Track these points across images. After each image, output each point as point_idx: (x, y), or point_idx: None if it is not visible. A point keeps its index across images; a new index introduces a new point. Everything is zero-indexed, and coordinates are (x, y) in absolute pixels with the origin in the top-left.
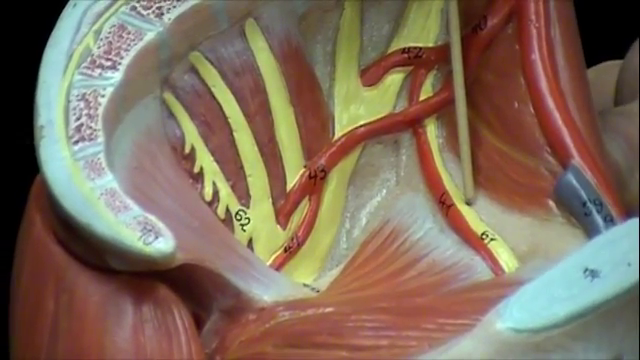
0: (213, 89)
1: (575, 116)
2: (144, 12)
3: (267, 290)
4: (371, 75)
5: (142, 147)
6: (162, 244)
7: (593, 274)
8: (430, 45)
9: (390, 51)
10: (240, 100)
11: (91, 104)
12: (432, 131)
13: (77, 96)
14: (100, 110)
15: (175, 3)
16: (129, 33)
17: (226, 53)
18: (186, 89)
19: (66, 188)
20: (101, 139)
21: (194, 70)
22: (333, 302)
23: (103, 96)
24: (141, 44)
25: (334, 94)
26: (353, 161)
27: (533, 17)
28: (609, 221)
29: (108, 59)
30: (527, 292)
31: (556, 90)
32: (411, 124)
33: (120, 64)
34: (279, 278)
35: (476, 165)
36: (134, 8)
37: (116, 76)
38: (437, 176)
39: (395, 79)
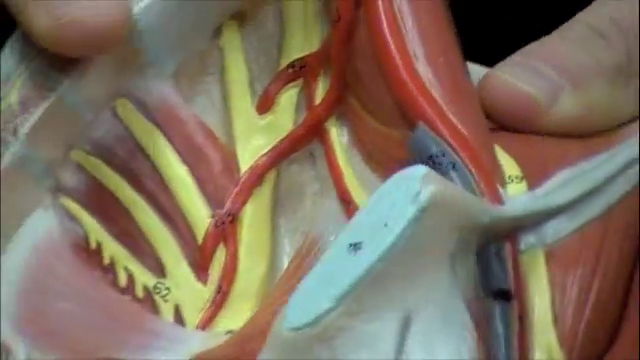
0: (102, 179)
1: (426, 74)
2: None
3: (171, 353)
4: (264, 101)
5: (34, 265)
6: None
7: (356, 247)
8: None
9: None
10: (131, 179)
11: None
12: (334, 132)
13: None
14: None
15: (27, 115)
16: None
17: (104, 140)
18: (79, 188)
19: None
20: None
21: (79, 167)
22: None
23: None
24: (3, 166)
25: (233, 134)
26: (269, 190)
27: None
28: (453, 169)
29: None
30: (301, 288)
31: (402, 52)
32: (314, 133)
33: None
34: (189, 337)
35: (366, 150)
36: None
37: None
38: (340, 175)
39: (289, 96)
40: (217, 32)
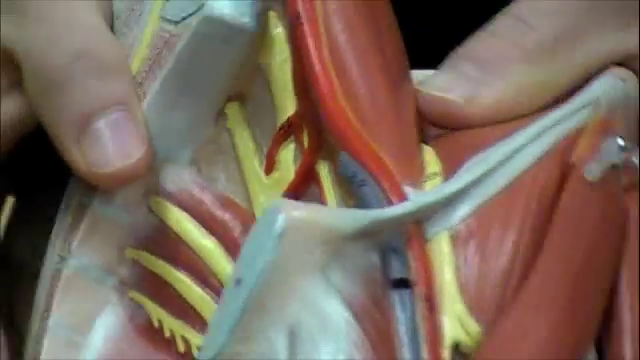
0: (153, 268)
1: (358, 91)
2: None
3: None
4: (268, 163)
5: (107, 355)
6: None
7: (238, 282)
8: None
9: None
10: (173, 261)
11: None
12: (324, 171)
13: None
14: None
15: (75, 232)
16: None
17: (146, 233)
18: (138, 279)
19: None
20: None
21: (134, 261)
22: None
23: None
24: (62, 282)
25: (250, 197)
26: None
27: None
28: (364, 185)
29: None
30: (210, 325)
31: (326, 83)
32: (308, 178)
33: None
34: None
35: None
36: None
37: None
38: None
39: (287, 152)
40: (220, 115)
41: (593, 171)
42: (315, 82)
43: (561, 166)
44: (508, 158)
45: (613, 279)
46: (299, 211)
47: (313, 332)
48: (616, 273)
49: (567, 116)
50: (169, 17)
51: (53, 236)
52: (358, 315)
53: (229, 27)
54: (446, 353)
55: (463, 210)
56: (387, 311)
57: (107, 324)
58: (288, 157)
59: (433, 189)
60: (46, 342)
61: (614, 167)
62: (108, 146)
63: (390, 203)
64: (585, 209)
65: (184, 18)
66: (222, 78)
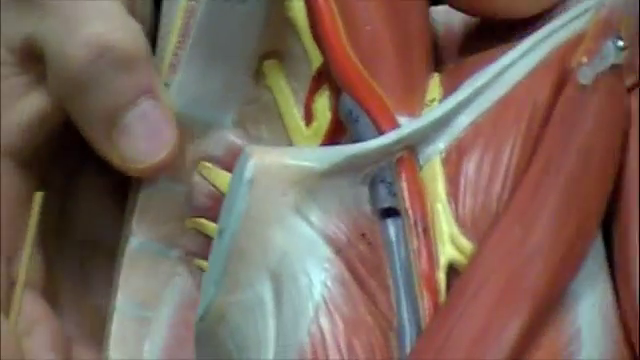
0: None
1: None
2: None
3: None
4: (306, 114)
5: (175, 324)
6: None
7: (220, 232)
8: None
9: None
10: None
11: None
12: None
13: None
14: None
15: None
16: None
17: (201, 202)
18: (202, 248)
19: None
20: None
21: (196, 230)
22: None
23: None
24: (126, 260)
25: None
26: None
27: None
28: (356, 122)
29: None
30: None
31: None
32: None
33: None
34: None
35: None
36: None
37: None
38: None
39: (322, 101)
40: (259, 75)
41: (587, 75)
42: (318, 22)
43: (559, 73)
44: (500, 73)
45: (616, 178)
46: (268, 155)
47: (295, 274)
48: (619, 172)
49: (566, 23)
50: None
51: (126, 214)
52: (341, 250)
53: None
54: (441, 274)
55: (455, 130)
56: (377, 242)
57: (177, 294)
58: (324, 105)
59: (424, 115)
60: (115, 321)
61: (614, 67)
62: (140, 140)
63: (382, 135)
64: (579, 113)
65: None
66: (249, 38)
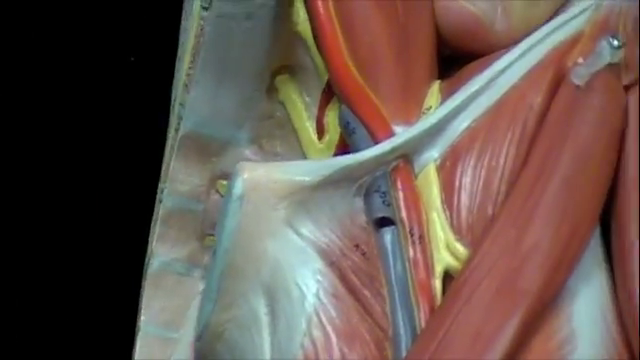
0: None
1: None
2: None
3: None
4: (318, 128)
5: None
6: None
7: (214, 251)
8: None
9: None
10: None
11: None
12: None
13: None
14: None
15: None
16: None
17: None
18: None
19: None
20: None
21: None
22: None
23: None
24: (149, 281)
25: None
26: None
27: None
28: (354, 133)
29: None
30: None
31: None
32: None
33: None
34: None
35: None
36: None
37: None
38: None
39: (333, 112)
40: (272, 90)
41: (582, 75)
42: (319, 33)
43: (556, 75)
44: (495, 77)
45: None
46: (257, 171)
47: (287, 288)
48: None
49: (563, 24)
50: (203, 4)
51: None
52: (334, 262)
53: (249, 3)
54: (437, 282)
55: (450, 137)
56: (372, 252)
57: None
58: (335, 118)
59: (419, 123)
60: (138, 342)
61: (611, 66)
62: None
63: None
64: (574, 114)
65: (211, 2)
66: (258, 54)
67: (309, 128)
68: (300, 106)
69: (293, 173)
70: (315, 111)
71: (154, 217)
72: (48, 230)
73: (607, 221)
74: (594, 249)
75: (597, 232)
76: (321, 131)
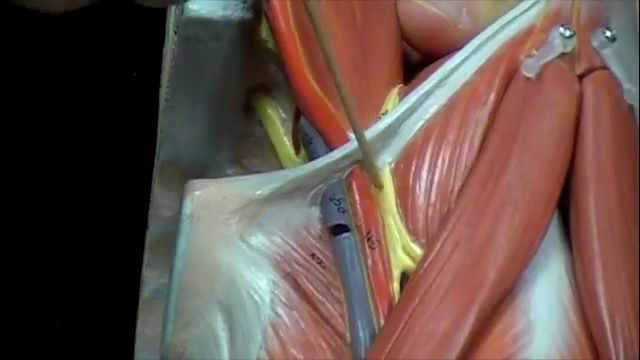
0: None
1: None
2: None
3: None
4: (294, 143)
5: None
6: None
7: (170, 272)
8: None
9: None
10: None
11: None
12: None
13: None
14: None
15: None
16: None
17: None
18: None
19: None
20: None
21: None
22: None
23: None
24: (141, 307)
25: None
26: None
27: None
28: (310, 143)
29: None
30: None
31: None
32: None
33: None
34: None
35: None
36: None
37: None
38: None
39: None
40: (249, 109)
41: (532, 66)
42: (281, 47)
43: (508, 68)
44: (446, 76)
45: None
46: (206, 189)
47: (242, 302)
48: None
49: (515, 18)
50: (174, 28)
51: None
52: (289, 273)
53: (213, 24)
54: (395, 285)
55: (403, 139)
56: (328, 260)
57: None
58: None
59: (371, 127)
60: None
61: (563, 56)
62: None
63: None
64: (525, 106)
65: (178, 26)
66: (231, 74)
67: (287, 142)
68: (277, 122)
69: (243, 187)
70: (290, 126)
71: (145, 244)
72: (47, 241)
73: (566, 204)
74: (552, 234)
75: (555, 216)
76: (297, 145)
